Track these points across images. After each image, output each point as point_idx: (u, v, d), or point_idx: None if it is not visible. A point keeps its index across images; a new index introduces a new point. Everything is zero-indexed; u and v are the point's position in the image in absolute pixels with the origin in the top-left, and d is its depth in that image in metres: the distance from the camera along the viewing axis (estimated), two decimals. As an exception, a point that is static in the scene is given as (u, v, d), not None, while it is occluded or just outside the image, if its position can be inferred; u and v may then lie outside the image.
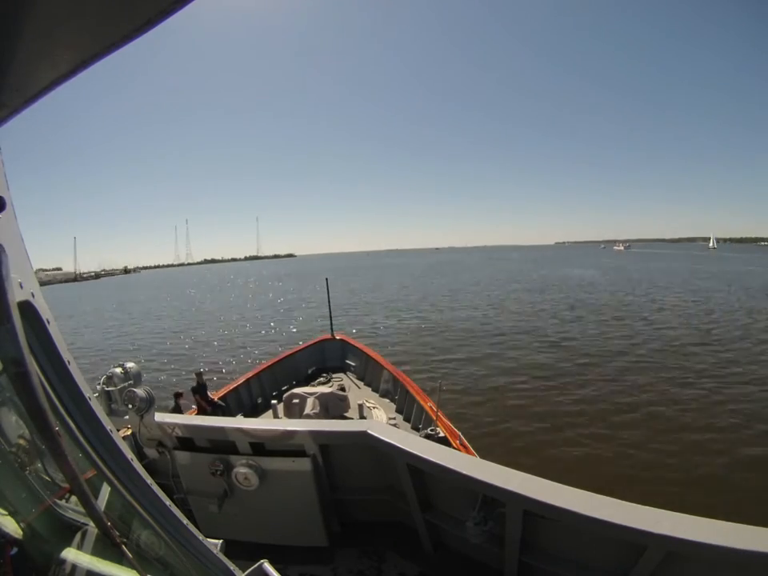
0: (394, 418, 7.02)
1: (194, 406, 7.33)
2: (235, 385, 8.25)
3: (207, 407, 7.29)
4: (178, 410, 6.92)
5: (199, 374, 7.84)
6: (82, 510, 1.21)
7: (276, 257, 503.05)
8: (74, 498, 1.40)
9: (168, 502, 1.44)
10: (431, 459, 2.69)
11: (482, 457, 4.12)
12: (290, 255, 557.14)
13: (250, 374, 8.87)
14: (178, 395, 7.16)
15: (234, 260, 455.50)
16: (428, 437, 5.23)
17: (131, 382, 3.03)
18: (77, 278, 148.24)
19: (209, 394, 7.59)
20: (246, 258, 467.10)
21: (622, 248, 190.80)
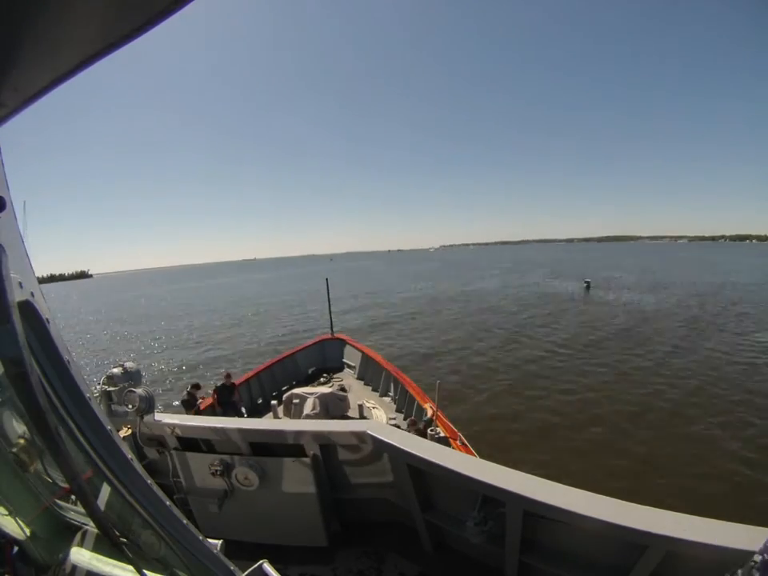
0: (394, 418, 7.03)
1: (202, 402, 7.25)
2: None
3: (218, 407, 7.25)
4: (192, 399, 6.96)
5: (233, 384, 7.71)
6: (82, 510, 1.21)
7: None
8: (73, 498, 1.40)
9: (168, 502, 1.44)
10: (431, 459, 2.69)
11: (482, 457, 4.12)
12: (82, 275, 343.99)
13: (249, 374, 8.87)
14: (195, 386, 7.16)
15: None
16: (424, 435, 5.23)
17: (131, 381, 3.02)
18: None
19: (236, 399, 7.49)
20: None
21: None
